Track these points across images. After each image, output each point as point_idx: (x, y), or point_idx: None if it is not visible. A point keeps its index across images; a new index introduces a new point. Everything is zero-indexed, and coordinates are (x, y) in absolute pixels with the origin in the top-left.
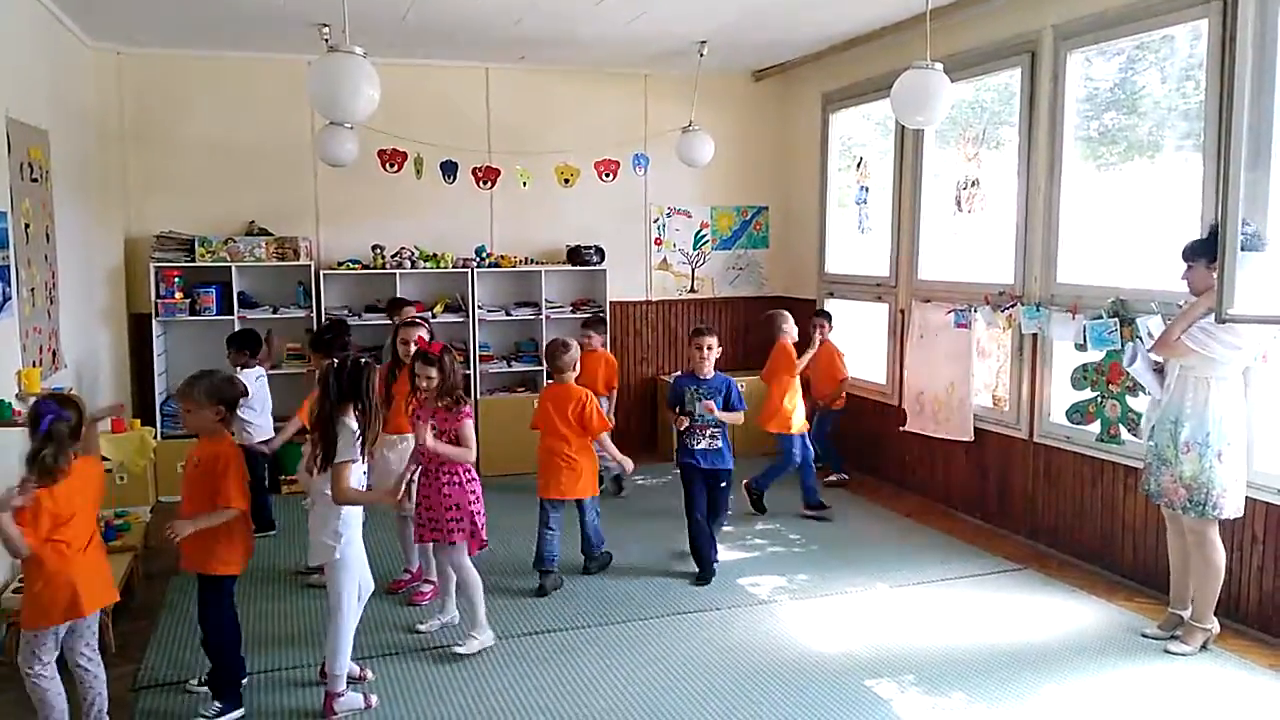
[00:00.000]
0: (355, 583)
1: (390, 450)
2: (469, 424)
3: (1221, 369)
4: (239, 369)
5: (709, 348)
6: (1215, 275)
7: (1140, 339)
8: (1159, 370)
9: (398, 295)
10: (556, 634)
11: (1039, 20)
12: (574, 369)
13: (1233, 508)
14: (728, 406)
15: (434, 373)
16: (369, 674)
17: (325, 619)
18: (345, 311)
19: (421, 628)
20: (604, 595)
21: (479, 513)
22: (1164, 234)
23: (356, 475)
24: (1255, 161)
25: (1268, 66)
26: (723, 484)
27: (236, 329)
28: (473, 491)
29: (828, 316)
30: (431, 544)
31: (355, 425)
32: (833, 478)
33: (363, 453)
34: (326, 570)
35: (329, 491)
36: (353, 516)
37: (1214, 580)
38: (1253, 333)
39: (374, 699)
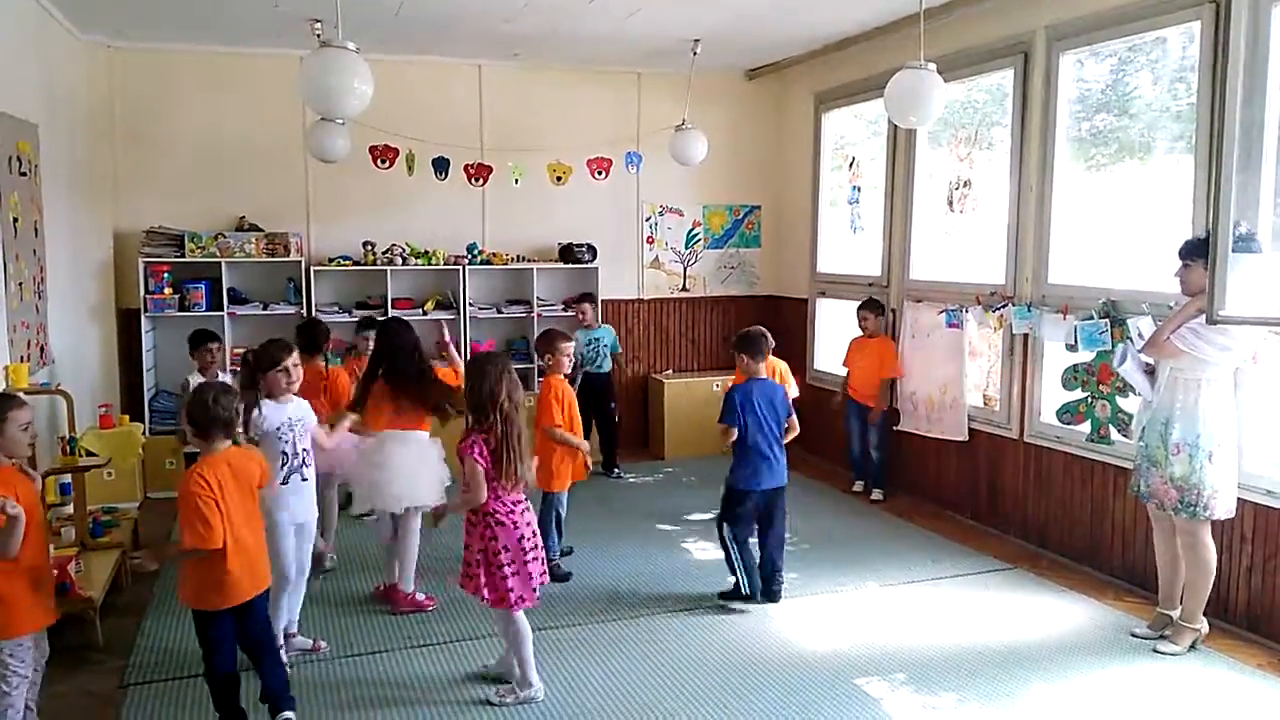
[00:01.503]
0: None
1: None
2: (467, 460)
3: (1212, 370)
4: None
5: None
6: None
7: (1130, 340)
8: (1149, 371)
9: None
10: (546, 632)
11: (1032, 21)
12: (546, 359)
13: (1224, 509)
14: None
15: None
16: (323, 644)
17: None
18: (335, 308)
19: (494, 699)
20: (594, 593)
21: (495, 565)
22: (1155, 235)
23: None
24: (1246, 163)
25: (1259, 68)
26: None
27: (226, 326)
28: (491, 537)
29: (871, 308)
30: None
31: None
32: (877, 495)
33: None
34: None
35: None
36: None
37: (1205, 581)
38: (1243, 334)
39: (323, 643)
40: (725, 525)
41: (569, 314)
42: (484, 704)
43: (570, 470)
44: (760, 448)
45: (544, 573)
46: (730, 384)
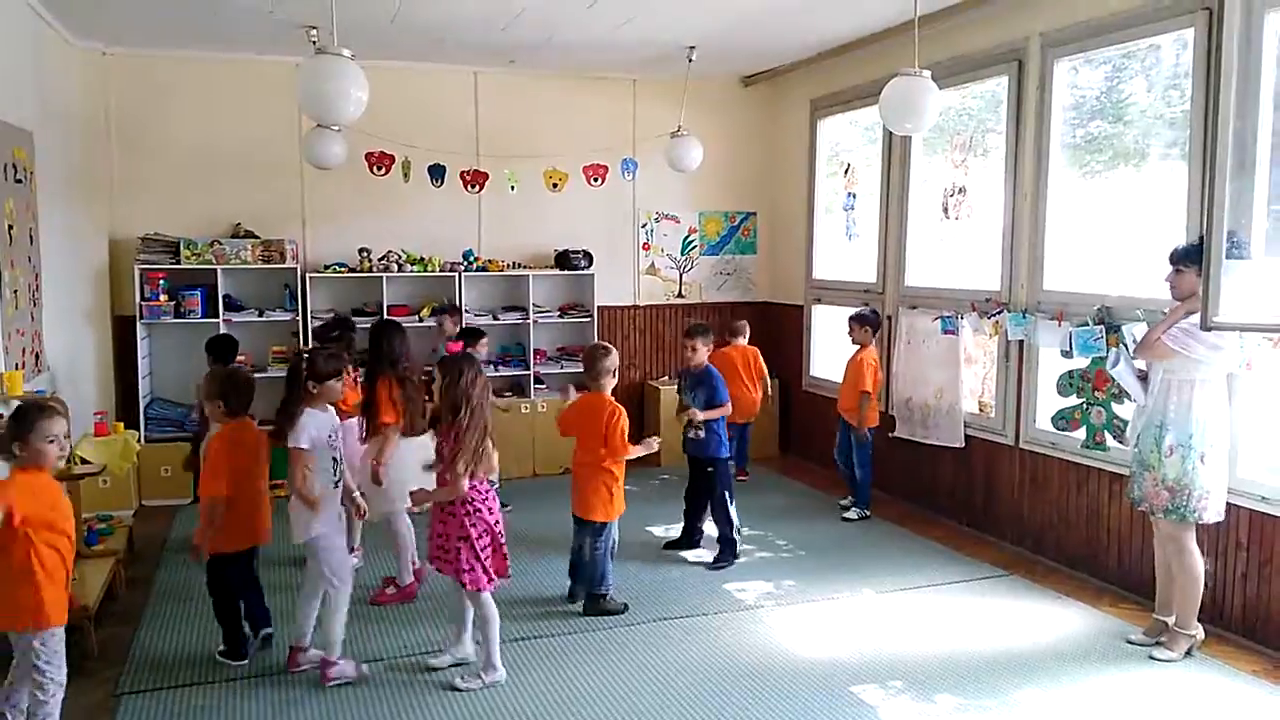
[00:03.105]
0: (345, 553)
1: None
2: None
3: (1204, 371)
4: None
5: (692, 349)
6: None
7: (1125, 345)
8: (1142, 377)
9: None
10: (542, 639)
11: (1026, 28)
12: (610, 376)
13: (1214, 512)
14: (709, 402)
15: (436, 377)
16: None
17: (302, 595)
18: (331, 315)
19: (434, 663)
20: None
21: (480, 547)
22: (1149, 241)
23: (319, 465)
24: (1240, 170)
25: (1253, 75)
26: (707, 469)
27: (221, 332)
28: (473, 524)
29: (859, 320)
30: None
31: (317, 416)
32: (852, 514)
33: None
34: (311, 553)
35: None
36: (329, 499)
37: (1194, 587)
38: (1234, 334)
39: (364, 667)
40: (730, 495)
41: (565, 320)
42: (450, 689)
43: (619, 501)
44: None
45: (506, 560)
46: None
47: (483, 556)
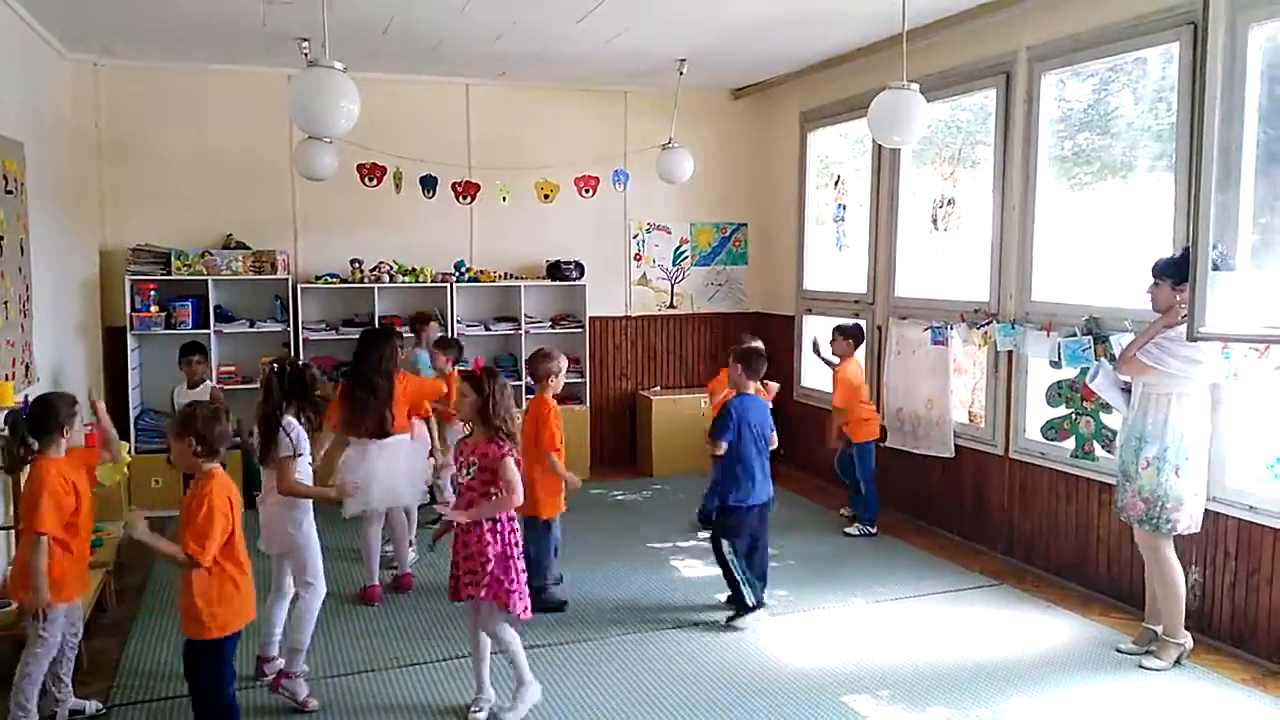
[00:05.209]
0: (320, 558)
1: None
2: (509, 464)
3: (1182, 385)
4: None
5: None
6: (1179, 296)
7: (1105, 357)
8: (1125, 389)
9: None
10: (531, 650)
11: (1014, 42)
12: (548, 380)
13: (1186, 524)
14: (708, 432)
15: (469, 392)
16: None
17: (274, 599)
18: (322, 326)
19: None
20: (580, 611)
21: (511, 570)
22: (1137, 253)
23: (301, 469)
24: (1225, 183)
25: (1237, 89)
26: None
27: (212, 343)
28: (514, 541)
29: (842, 332)
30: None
31: (297, 424)
32: (853, 529)
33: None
34: (294, 554)
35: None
36: (307, 506)
37: (1175, 596)
38: (1213, 349)
39: (314, 702)
40: (725, 542)
41: (556, 330)
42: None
43: (560, 498)
44: (752, 464)
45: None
46: (712, 394)
47: (520, 578)
